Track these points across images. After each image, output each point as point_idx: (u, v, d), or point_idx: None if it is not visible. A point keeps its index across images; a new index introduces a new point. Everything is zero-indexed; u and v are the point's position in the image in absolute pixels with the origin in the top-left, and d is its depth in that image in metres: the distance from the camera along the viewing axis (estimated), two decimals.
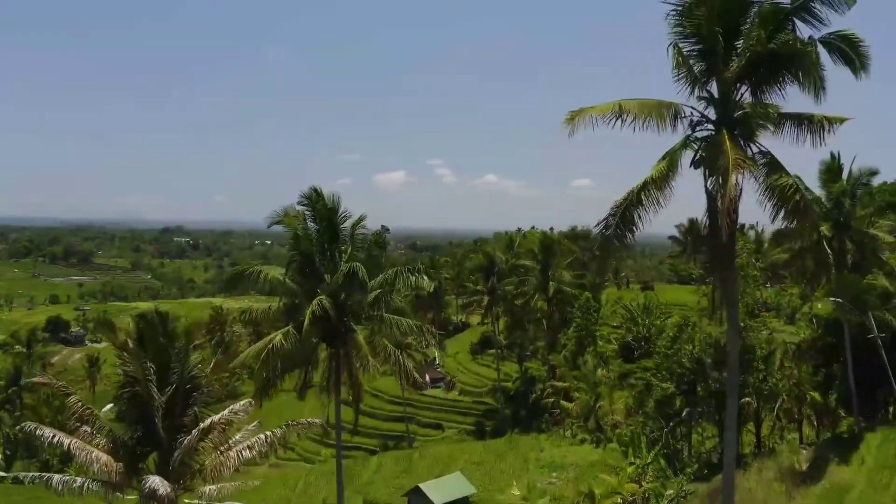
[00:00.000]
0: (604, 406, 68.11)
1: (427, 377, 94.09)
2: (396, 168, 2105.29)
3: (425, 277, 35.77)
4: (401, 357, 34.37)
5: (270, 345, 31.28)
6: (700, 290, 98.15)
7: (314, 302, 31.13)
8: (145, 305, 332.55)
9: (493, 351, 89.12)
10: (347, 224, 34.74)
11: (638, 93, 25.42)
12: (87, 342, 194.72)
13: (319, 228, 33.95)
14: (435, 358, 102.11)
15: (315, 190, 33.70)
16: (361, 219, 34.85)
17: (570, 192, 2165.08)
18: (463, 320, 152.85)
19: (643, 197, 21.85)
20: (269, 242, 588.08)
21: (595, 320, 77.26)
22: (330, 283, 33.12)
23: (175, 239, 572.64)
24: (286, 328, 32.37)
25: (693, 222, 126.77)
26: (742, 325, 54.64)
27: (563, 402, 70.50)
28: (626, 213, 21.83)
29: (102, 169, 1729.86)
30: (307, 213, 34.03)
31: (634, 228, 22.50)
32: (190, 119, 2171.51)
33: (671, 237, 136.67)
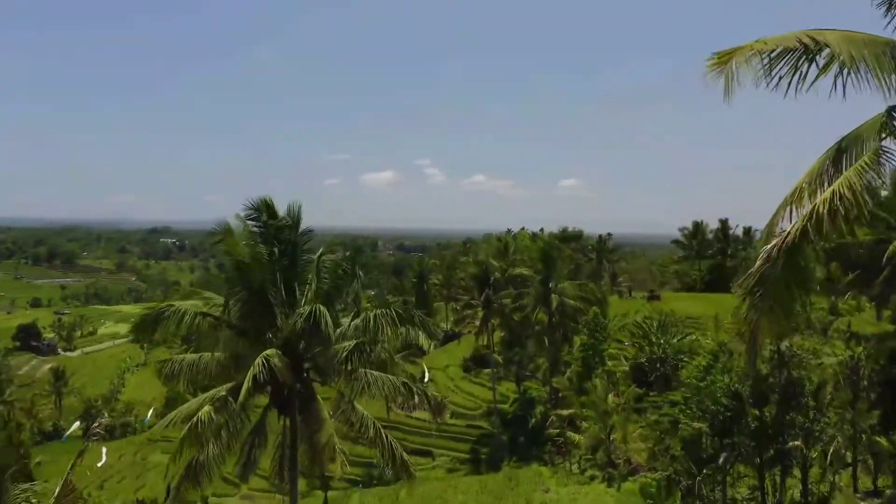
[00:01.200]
0: (616, 438, 59.29)
1: (416, 398, 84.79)
2: (385, 168, 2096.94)
3: (421, 334, 26.26)
4: (383, 435, 25.25)
5: (196, 419, 21.93)
6: (712, 299, 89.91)
7: (258, 359, 21.80)
8: (128, 309, 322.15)
9: (488, 371, 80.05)
10: (316, 247, 25.98)
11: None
12: (59, 351, 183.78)
13: (273, 252, 24.80)
14: (424, 375, 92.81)
15: (265, 201, 24.58)
16: (332, 244, 25.98)
17: (557, 192, 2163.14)
18: (453, 329, 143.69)
19: (838, 208, 11.14)
20: None
21: (604, 338, 68.38)
22: (284, 330, 24.03)
23: (161, 240, 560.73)
24: (218, 392, 23.28)
25: (698, 225, 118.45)
26: (788, 351, 45.92)
27: (570, 433, 61.56)
28: (802, 238, 11.29)
29: (91, 168, 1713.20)
30: (256, 229, 24.87)
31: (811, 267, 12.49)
32: (181, 118, 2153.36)
33: (675, 241, 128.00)
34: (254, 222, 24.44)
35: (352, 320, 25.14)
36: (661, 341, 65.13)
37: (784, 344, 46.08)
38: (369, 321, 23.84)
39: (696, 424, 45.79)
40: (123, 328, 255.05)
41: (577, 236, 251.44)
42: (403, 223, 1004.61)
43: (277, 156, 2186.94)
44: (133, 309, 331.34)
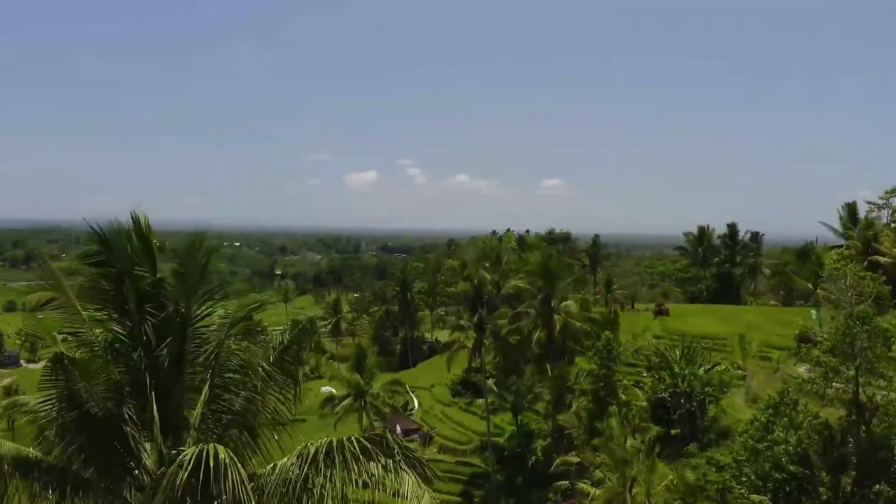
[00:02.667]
0: (638, 494, 48.75)
1: (398, 428, 74.10)
2: (367, 168, 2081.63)
3: (408, 475, 14.84)
4: None
5: None
6: (726, 314, 79.46)
7: None
8: None
9: (481, 401, 69.35)
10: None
11: None
12: (21, 363, 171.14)
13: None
14: (408, 402, 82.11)
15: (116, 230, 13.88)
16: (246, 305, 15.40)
17: (540, 192, 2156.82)
18: (438, 340, 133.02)
19: None
20: (237, 244, 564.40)
21: (616, 367, 57.93)
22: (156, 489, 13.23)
23: None
24: None
25: (704, 231, 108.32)
26: (869, 402, 35.65)
27: (582, 485, 51.01)
28: None
29: (71, 169, 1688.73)
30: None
31: None
32: (159, 118, 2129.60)
33: (679, 247, 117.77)
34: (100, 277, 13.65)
35: (272, 470, 13.91)
36: (686, 372, 54.64)
37: (863, 391, 35.86)
38: (312, 460, 12.82)
39: (755, 498, 35.38)
40: None
41: (564, 238, 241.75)
42: (386, 223, 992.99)
43: (258, 155, 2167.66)
44: None
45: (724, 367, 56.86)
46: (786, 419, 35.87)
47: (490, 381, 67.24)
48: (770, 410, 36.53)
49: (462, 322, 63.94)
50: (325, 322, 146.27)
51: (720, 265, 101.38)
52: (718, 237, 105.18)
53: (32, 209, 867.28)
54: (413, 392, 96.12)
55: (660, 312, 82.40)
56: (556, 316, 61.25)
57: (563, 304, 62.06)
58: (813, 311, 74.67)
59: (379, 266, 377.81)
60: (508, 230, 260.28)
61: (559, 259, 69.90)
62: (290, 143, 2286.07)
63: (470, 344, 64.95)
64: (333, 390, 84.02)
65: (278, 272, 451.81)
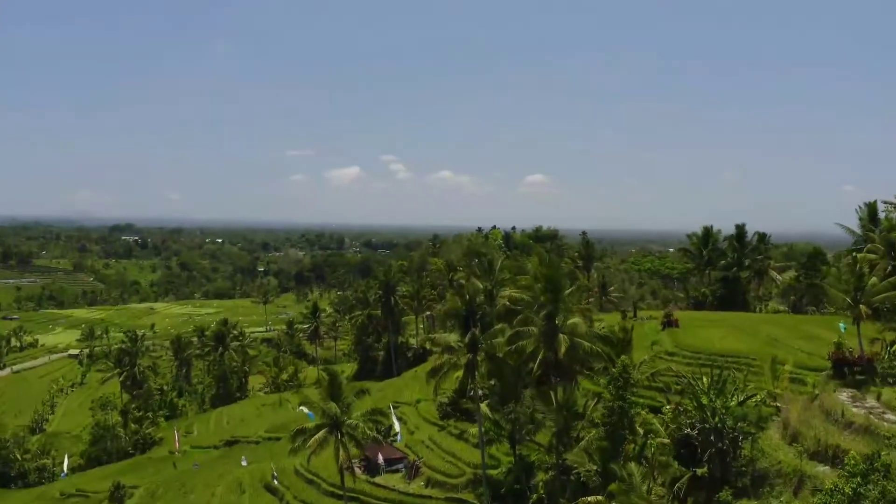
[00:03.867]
0: None
1: (380, 458, 65.16)
2: (350, 164, 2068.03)
3: None
4: None
5: None
6: (740, 325, 70.69)
7: None
8: (80, 313, 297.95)
9: (474, 429, 60.45)
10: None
11: None
12: None
13: None
14: (392, 427, 72.98)
15: None
16: None
17: (523, 189, 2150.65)
18: (423, 346, 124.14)
19: None
20: (220, 241, 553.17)
21: (632, 398, 49.19)
22: None
23: (122, 238, 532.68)
24: None
25: (709, 232, 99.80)
26: None
27: None
28: None
29: (51, 165, 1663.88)
30: None
31: None
32: (140, 115, 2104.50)
33: (682, 249, 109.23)
34: None
35: None
36: (717, 404, 45.92)
37: None
38: None
39: None
40: (70, 337, 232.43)
41: (552, 236, 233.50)
42: (370, 219, 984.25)
43: (240, 151, 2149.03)
44: (86, 313, 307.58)
45: (760, 396, 48.17)
46: (877, 491, 27.29)
47: (484, 406, 58.35)
48: (857, 479, 27.89)
49: (452, 342, 54.88)
50: (305, 325, 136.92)
51: (727, 269, 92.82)
52: (725, 238, 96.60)
53: (10, 206, 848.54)
54: (397, 408, 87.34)
55: (669, 324, 73.62)
56: (561, 335, 52.39)
57: (570, 322, 53.13)
58: (841, 325, 66.45)
59: (363, 263, 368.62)
60: (494, 227, 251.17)
61: (559, 266, 60.73)
62: (272, 140, 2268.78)
63: (462, 363, 56.07)
64: (310, 412, 75.15)
65: (261, 269, 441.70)
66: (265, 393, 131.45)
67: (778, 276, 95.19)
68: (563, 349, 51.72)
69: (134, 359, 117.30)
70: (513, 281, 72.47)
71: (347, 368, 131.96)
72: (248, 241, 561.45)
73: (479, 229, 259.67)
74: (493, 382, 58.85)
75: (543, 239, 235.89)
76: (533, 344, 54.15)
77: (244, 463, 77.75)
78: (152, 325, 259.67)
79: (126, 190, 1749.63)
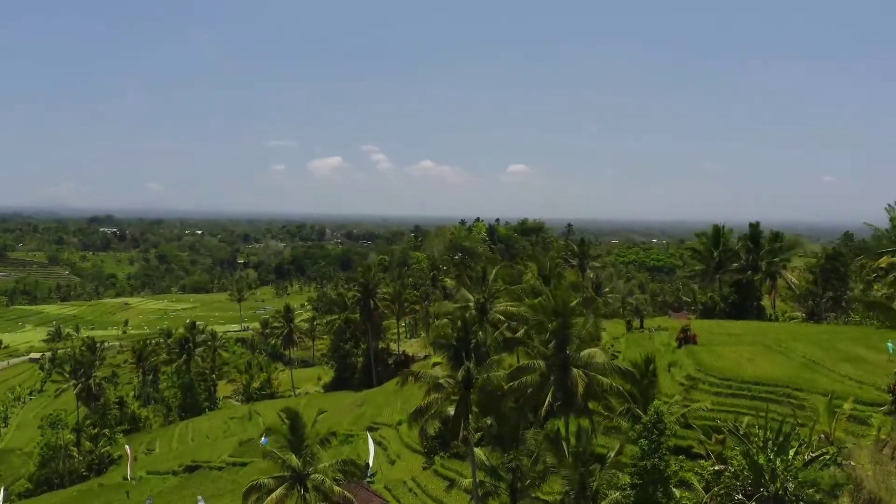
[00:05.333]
0: None
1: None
2: (331, 154, 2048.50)
3: None
4: None
5: None
6: (764, 341, 59.95)
7: None
8: (52, 309, 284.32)
9: (467, 472, 49.48)
10: None
11: None
12: None
13: None
14: (368, 465, 61.94)
15: None
16: None
17: (506, 178, 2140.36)
18: (405, 352, 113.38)
19: None
20: (199, 233, 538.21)
21: (665, 445, 38.70)
22: None
23: (101, 230, 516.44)
24: None
25: (719, 231, 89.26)
26: None
27: None
28: None
29: (33, 156, 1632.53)
30: None
31: None
32: (121, 106, 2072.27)
33: (690, 249, 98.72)
34: None
35: None
36: (778, 464, 35.53)
37: None
38: None
39: None
40: (38, 335, 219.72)
41: (538, 228, 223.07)
42: (351, 209, 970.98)
43: (222, 142, 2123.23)
44: (57, 309, 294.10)
45: (832, 452, 37.82)
46: None
47: (480, 452, 47.55)
48: None
49: (441, 378, 44.03)
50: (278, 328, 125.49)
51: (741, 272, 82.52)
52: (739, 239, 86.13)
53: None
54: (376, 430, 76.66)
55: (686, 339, 63.04)
56: (574, 370, 41.76)
57: (585, 353, 42.47)
58: (889, 344, 56.43)
59: (343, 255, 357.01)
60: (478, 220, 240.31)
61: (565, 283, 49.61)
62: (254, 130, 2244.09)
63: (454, 397, 45.24)
64: (265, 438, 64.39)
65: (241, 261, 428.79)
66: (237, 400, 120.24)
67: (793, 280, 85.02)
68: (579, 388, 41.11)
69: (89, 370, 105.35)
70: (507, 292, 61.79)
71: (325, 374, 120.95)
72: (228, 232, 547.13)
73: (462, 222, 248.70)
74: (489, 422, 48.02)
75: (529, 232, 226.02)
76: (539, 379, 43.59)
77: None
78: (126, 322, 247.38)
79: (108, 181, 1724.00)
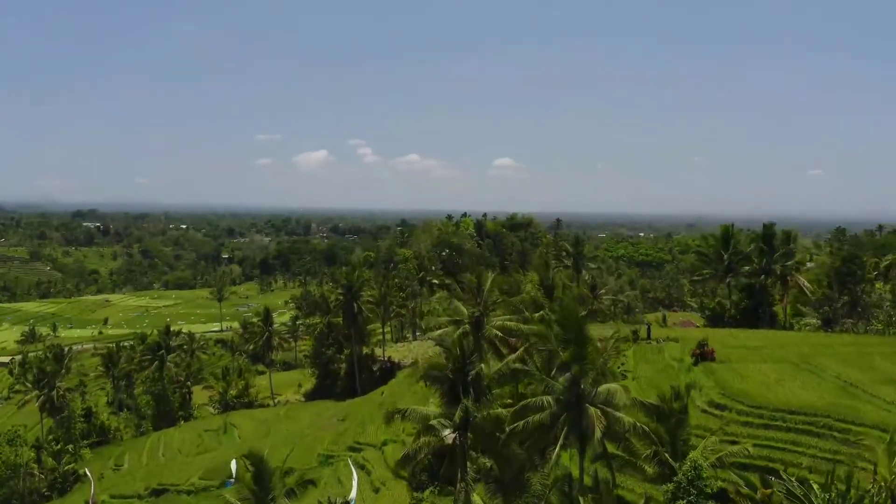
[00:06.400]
0: None
1: None
2: (317, 148, 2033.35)
3: None
4: None
5: None
6: (800, 356, 52.48)
7: None
8: (30, 307, 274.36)
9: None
10: None
11: None
12: None
13: None
14: (349, 501, 54.31)
15: None
16: None
17: (492, 172, 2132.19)
18: (392, 358, 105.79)
19: None
20: (184, 227, 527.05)
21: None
22: None
23: (84, 224, 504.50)
24: None
25: (729, 231, 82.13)
26: None
27: None
28: None
29: (17, 150, 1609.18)
30: None
31: None
32: (107, 100, 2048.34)
33: (697, 252, 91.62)
34: None
35: None
36: None
37: None
38: None
39: None
40: (13, 335, 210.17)
41: (526, 223, 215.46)
42: (337, 203, 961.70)
43: (209, 135, 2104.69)
44: (36, 306, 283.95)
45: None
46: None
47: (478, 499, 40.13)
48: None
49: (433, 418, 36.61)
50: (256, 334, 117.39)
51: (753, 276, 75.39)
52: (751, 241, 78.98)
53: None
54: (359, 451, 69.22)
55: (703, 356, 55.90)
56: (591, 409, 34.44)
57: (603, 388, 35.17)
58: None
59: (329, 250, 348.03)
60: (465, 215, 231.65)
61: (572, 301, 41.81)
62: (241, 124, 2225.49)
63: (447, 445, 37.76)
64: (228, 481, 57.07)
65: (225, 256, 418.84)
66: (213, 409, 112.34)
67: (806, 284, 78.06)
68: (597, 431, 33.77)
69: (53, 380, 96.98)
70: (505, 304, 54.46)
71: (306, 381, 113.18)
72: (213, 226, 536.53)
73: (449, 217, 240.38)
74: (488, 465, 40.60)
75: (518, 227, 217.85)
76: (549, 419, 36.20)
77: None
78: (105, 320, 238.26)
79: (93, 174, 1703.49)
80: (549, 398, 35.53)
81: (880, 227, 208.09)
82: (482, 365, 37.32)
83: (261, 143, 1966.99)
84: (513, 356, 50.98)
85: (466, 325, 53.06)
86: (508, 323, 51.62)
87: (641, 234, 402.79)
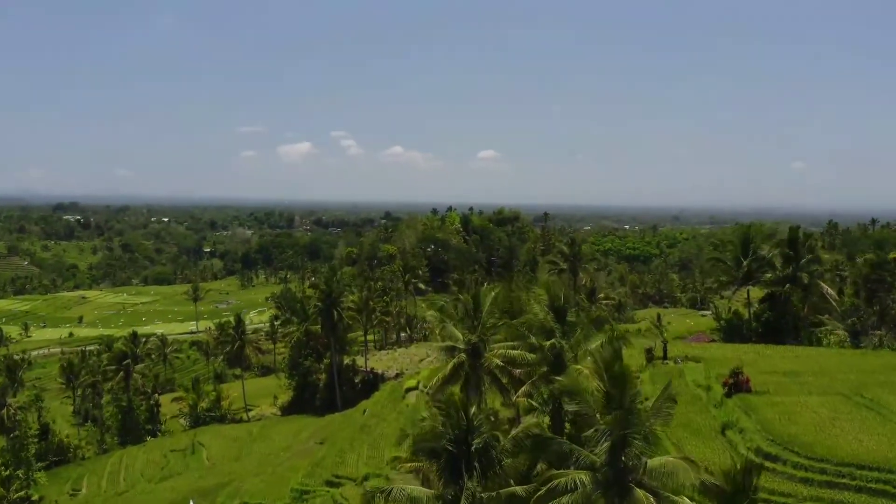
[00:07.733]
0: None
1: None
2: (301, 140, 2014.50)
3: None
4: None
5: None
6: (852, 386, 43.59)
7: None
8: (3, 304, 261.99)
9: None
10: None
11: None
12: None
13: None
14: None
15: None
16: None
17: (475, 164, 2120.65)
18: (375, 369, 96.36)
19: None
20: (166, 220, 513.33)
21: None
22: None
23: (64, 217, 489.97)
24: None
25: (747, 235, 72.97)
26: None
27: None
28: None
29: None
30: None
31: None
32: (88, 92, 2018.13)
33: (712, 259, 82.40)
34: None
35: None
36: None
37: None
38: None
39: None
40: None
41: (513, 217, 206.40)
42: (321, 196, 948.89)
43: (192, 127, 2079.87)
44: (9, 304, 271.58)
45: None
46: None
47: None
48: None
49: (425, 501, 27.42)
50: (228, 342, 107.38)
51: (776, 284, 66.56)
52: (775, 245, 70.15)
53: None
54: (337, 487, 59.90)
55: (737, 386, 47.05)
56: (639, 493, 25.31)
57: (654, 463, 26.09)
58: None
59: (311, 244, 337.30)
60: (451, 209, 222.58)
61: (620, 359, 31.83)
62: (224, 116, 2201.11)
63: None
64: None
65: (207, 250, 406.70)
66: (183, 422, 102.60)
67: (831, 291, 69.37)
68: None
69: (3, 397, 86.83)
70: (508, 328, 45.22)
71: (282, 393, 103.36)
72: (195, 219, 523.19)
73: (434, 210, 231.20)
74: None
75: (504, 222, 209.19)
76: (573, 486, 26.92)
77: None
78: (80, 319, 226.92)
79: (75, 167, 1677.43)
80: (584, 476, 26.28)
81: (874, 221, 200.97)
82: (493, 434, 27.83)
83: (244, 134, 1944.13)
84: (519, 392, 42.10)
85: (462, 355, 43.83)
86: (512, 352, 42.40)
87: (627, 227, 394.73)
